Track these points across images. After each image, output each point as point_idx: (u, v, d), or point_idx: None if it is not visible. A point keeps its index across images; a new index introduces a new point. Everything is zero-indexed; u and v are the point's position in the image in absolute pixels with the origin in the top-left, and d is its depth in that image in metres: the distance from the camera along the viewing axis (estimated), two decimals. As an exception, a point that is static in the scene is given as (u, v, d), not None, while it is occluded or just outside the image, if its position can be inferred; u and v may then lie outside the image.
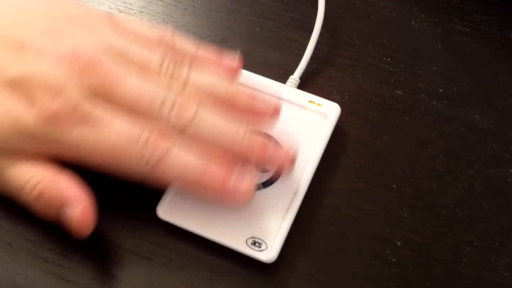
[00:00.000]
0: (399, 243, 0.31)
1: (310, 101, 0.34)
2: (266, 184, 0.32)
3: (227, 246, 0.30)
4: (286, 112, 0.34)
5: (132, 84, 0.29)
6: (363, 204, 0.32)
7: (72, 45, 0.29)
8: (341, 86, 0.36)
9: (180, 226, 0.30)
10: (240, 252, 0.30)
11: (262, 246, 0.30)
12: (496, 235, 0.32)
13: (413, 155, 0.34)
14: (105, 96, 0.29)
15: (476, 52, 0.38)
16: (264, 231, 0.30)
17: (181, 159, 0.28)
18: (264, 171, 0.32)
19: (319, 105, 0.34)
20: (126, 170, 0.29)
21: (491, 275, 0.30)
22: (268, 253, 0.29)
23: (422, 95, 0.36)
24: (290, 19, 0.39)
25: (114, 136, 0.28)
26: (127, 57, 0.30)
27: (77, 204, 0.28)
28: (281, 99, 0.34)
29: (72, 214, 0.28)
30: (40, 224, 0.31)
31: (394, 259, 0.31)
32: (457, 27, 0.39)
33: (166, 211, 0.31)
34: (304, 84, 0.36)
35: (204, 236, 0.30)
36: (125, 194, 0.32)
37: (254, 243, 0.30)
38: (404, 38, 0.39)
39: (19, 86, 0.28)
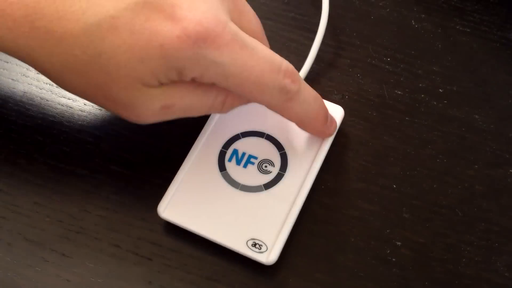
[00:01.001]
0: (399, 243, 0.31)
1: None
2: (268, 185, 0.32)
3: (227, 247, 0.30)
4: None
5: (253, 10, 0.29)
6: (363, 204, 0.32)
7: None
8: (341, 86, 0.36)
9: (181, 226, 0.30)
10: (240, 253, 0.30)
11: (262, 248, 0.30)
12: (496, 235, 0.32)
13: (413, 155, 0.34)
14: (236, 18, 0.28)
15: (476, 52, 0.38)
16: (265, 233, 0.30)
17: (309, 96, 0.30)
18: (266, 172, 0.32)
19: None
20: (259, 96, 0.29)
21: (491, 275, 0.30)
22: (268, 255, 0.29)
23: (422, 95, 0.36)
24: (290, 19, 0.39)
25: (262, 62, 0.28)
26: None
27: None
28: None
29: None
30: (40, 224, 0.31)
31: (394, 259, 0.31)
32: (457, 27, 0.39)
33: (167, 210, 0.31)
34: (304, 84, 0.36)
35: (204, 237, 0.30)
36: (125, 194, 0.32)
37: (254, 244, 0.30)
38: (404, 38, 0.38)
39: (156, 3, 0.26)
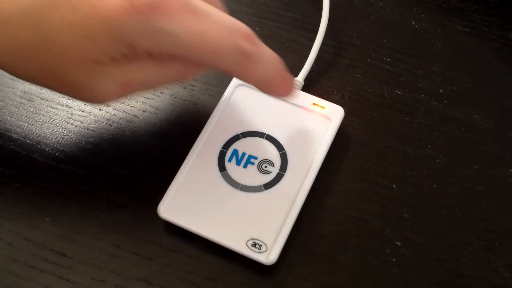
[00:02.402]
0: (399, 243, 0.31)
1: (314, 104, 0.34)
2: (268, 185, 0.32)
3: (227, 247, 0.30)
4: (290, 114, 0.34)
5: None
6: (363, 204, 0.32)
7: None
8: (341, 86, 0.36)
9: (181, 226, 0.30)
10: (240, 253, 0.30)
11: (262, 248, 0.30)
12: (496, 235, 0.32)
13: (413, 155, 0.34)
14: None
15: (476, 52, 0.38)
16: (265, 233, 0.30)
17: (268, 56, 0.28)
18: (266, 172, 0.32)
19: (323, 107, 0.34)
20: (218, 61, 0.27)
21: (491, 275, 0.30)
22: (268, 255, 0.29)
23: (422, 95, 0.36)
24: (290, 19, 0.39)
25: (217, 26, 0.26)
26: None
27: None
28: (286, 101, 0.34)
29: None
30: (40, 224, 0.31)
31: (394, 259, 0.31)
32: (457, 27, 0.39)
33: (167, 210, 0.31)
34: (304, 85, 0.36)
35: (204, 237, 0.30)
36: (125, 194, 0.32)
37: (254, 244, 0.30)
38: (404, 38, 0.39)
39: None
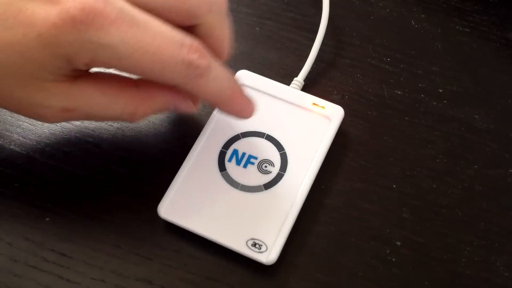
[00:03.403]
0: (399, 243, 0.31)
1: (314, 104, 0.34)
2: (268, 185, 0.32)
3: (227, 247, 0.30)
4: (290, 114, 0.34)
5: None
6: (363, 204, 0.32)
7: None
8: (341, 86, 0.36)
9: (181, 226, 0.31)
10: (240, 253, 0.30)
11: (262, 247, 0.30)
12: (496, 235, 0.32)
13: (413, 155, 0.34)
14: None
15: (476, 52, 0.38)
16: (265, 233, 0.30)
17: (222, 73, 0.28)
18: (266, 172, 0.32)
19: (323, 107, 0.34)
20: (164, 74, 0.26)
21: (491, 275, 0.30)
22: (268, 255, 0.29)
23: (422, 95, 0.36)
24: (290, 19, 0.39)
25: (159, 37, 0.25)
26: None
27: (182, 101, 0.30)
28: (286, 101, 0.34)
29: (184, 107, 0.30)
30: (40, 224, 0.31)
31: (394, 259, 0.31)
32: (457, 27, 0.39)
33: (167, 210, 0.31)
34: (304, 85, 0.36)
35: (204, 237, 0.30)
36: (125, 194, 0.32)
37: (254, 244, 0.30)
38: (404, 38, 0.39)
39: None
